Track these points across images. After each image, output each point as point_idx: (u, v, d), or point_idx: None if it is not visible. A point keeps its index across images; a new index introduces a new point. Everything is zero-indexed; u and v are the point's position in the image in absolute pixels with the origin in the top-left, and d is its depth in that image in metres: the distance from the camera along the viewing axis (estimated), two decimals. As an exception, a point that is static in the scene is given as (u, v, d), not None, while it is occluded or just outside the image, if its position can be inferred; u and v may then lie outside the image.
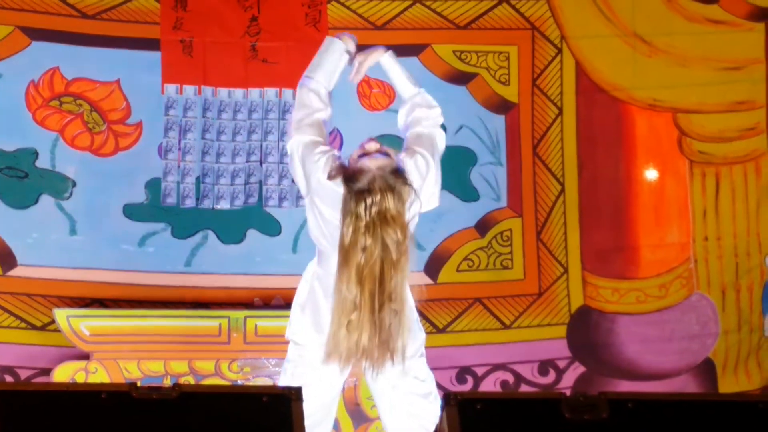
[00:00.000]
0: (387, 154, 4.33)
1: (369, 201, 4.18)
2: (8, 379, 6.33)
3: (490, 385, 6.72)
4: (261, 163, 6.75)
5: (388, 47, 4.83)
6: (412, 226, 4.35)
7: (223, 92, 6.73)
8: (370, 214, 4.17)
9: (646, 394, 4.38)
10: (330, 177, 4.31)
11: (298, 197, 6.73)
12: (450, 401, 3.47)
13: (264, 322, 6.30)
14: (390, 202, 4.18)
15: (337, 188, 4.31)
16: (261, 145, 6.76)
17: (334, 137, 6.82)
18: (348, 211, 4.21)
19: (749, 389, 6.86)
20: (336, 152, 4.48)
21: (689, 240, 7.03)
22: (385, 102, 6.89)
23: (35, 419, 3.44)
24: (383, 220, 4.18)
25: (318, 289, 4.49)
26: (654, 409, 3.47)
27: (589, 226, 7.00)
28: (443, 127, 4.74)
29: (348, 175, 4.28)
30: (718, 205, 7.07)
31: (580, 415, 3.42)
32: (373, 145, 4.36)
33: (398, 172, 4.29)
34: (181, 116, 6.69)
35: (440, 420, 3.53)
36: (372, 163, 4.28)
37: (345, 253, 4.21)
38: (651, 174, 7.07)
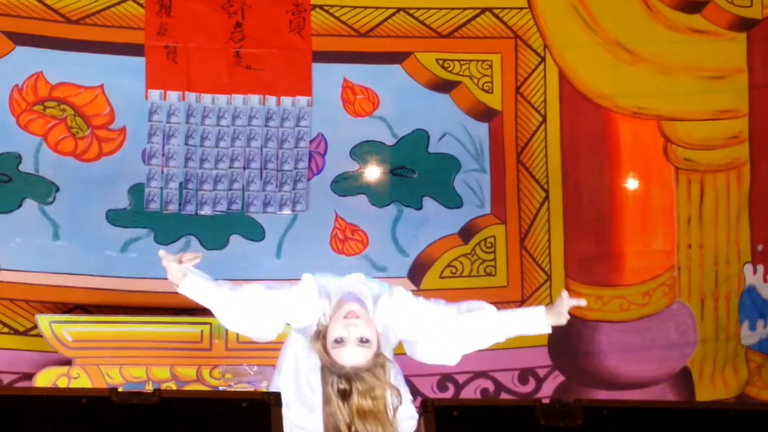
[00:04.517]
0: (367, 341, 4.10)
1: (342, 389, 4.05)
2: (-10, 383, 6.34)
3: (471, 393, 6.71)
4: (244, 169, 6.76)
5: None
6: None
7: (207, 98, 6.73)
8: (344, 404, 4.05)
9: (620, 402, 4.39)
10: (311, 341, 4.18)
11: (282, 204, 6.75)
12: (427, 408, 3.48)
13: (246, 328, 6.30)
14: (360, 400, 4.04)
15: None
16: (244, 151, 6.76)
17: (319, 142, 6.83)
18: (327, 394, 4.09)
19: (726, 397, 6.88)
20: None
21: (674, 247, 7.05)
22: (369, 108, 6.91)
23: (16, 424, 3.44)
24: (353, 412, 4.04)
25: (302, 362, 4.38)
26: (628, 417, 3.48)
27: (573, 233, 7.01)
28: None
29: (323, 359, 4.12)
30: (702, 212, 7.09)
31: (555, 422, 3.44)
32: (353, 332, 4.10)
33: (374, 367, 4.09)
34: (165, 122, 6.69)
35: (417, 427, 3.54)
36: (348, 360, 4.07)
37: None
38: (636, 181, 7.09)
